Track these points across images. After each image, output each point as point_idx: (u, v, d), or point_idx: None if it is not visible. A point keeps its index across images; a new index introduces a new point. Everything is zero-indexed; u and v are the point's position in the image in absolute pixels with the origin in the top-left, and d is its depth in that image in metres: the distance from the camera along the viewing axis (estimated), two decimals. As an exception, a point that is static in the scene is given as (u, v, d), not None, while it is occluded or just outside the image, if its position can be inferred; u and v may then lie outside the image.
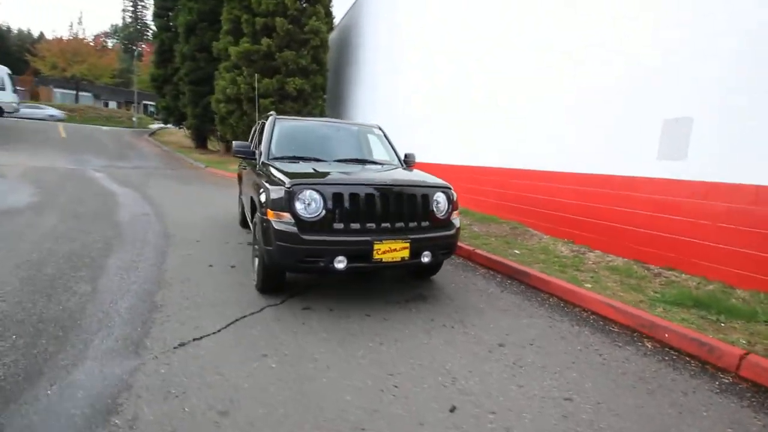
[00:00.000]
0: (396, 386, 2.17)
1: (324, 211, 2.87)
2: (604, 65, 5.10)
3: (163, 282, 3.50)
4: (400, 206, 3.07)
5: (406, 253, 2.97)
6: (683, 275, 4.09)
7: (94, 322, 2.69)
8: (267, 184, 3.07)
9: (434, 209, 3.24)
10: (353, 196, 2.94)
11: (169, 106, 19.39)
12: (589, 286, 3.87)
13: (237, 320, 2.84)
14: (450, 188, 3.39)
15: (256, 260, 3.55)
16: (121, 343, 2.43)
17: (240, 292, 3.39)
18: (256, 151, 3.91)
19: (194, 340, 2.54)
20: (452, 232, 3.30)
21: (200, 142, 20.60)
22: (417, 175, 3.48)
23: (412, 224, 3.12)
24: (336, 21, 16.01)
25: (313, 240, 2.79)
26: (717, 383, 2.40)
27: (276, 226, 2.83)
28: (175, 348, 2.42)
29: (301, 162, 3.71)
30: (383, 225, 3.01)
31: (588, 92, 5.32)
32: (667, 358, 2.68)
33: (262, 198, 3.05)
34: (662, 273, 4.21)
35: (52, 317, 2.70)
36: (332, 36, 15.64)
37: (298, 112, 15.30)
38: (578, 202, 5.42)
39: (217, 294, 3.31)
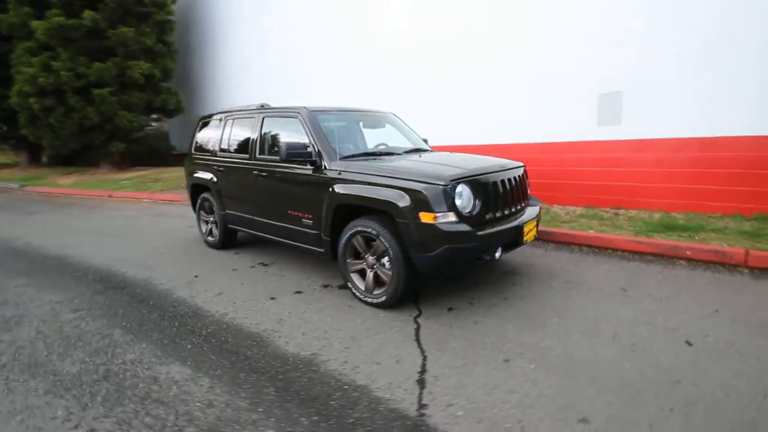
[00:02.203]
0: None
1: (478, 204, 2.78)
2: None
3: (266, 331, 2.74)
4: (518, 188, 3.20)
5: (535, 231, 3.16)
6: (632, 211, 5.48)
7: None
8: (404, 185, 2.73)
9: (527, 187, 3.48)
10: (494, 185, 2.92)
11: None
12: (593, 231, 4.82)
13: (421, 344, 2.53)
14: (524, 165, 3.66)
15: (356, 276, 3.14)
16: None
17: (362, 315, 2.92)
18: (313, 153, 3.30)
19: (438, 379, 2.20)
20: (540, 204, 3.62)
21: (-25, 154, 14.63)
22: (493, 158, 3.61)
23: (523, 204, 3.30)
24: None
25: (484, 235, 2.69)
26: (746, 273, 3.51)
27: (445, 228, 2.59)
28: (453, 404, 2.01)
29: (381, 157, 3.36)
30: (512, 208, 3.10)
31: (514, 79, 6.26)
32: (704, 267, 3.70)
33: (401, 201, 2.70)
34: (618, 212, 5.52)
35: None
36: (176, 8, 13.07)
37: (149, 104, 12.59)
38: (531, 168, 6.42)
39: (351, 325, 2.77)
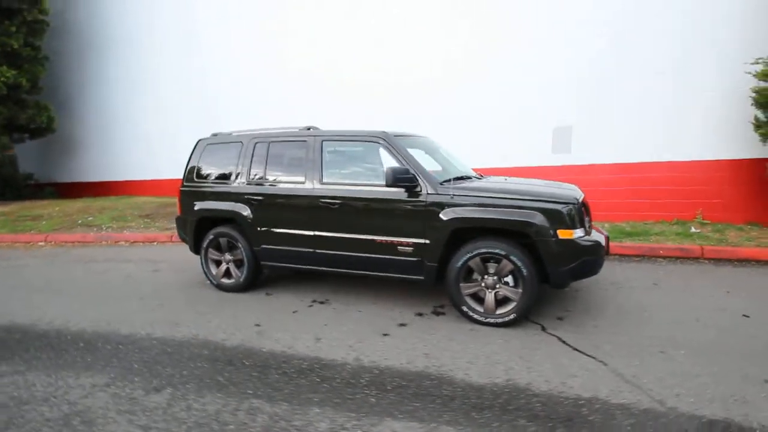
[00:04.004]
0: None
1: (587, 220, 3.16)
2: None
3: (428, 368, 2.54)
4: (586, 206, 3.73)
5: (602, 244, 3.70)
6: (586, 222, 6.67)
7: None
8: (538, 206, 2.93)
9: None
10: (585, 203, 3.36)
11: None
12: (575, 241, 5.73)
13: (583, 351, 2.73)
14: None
15: (469, 299, 3.17)
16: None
17: (497, 336, 2.96)
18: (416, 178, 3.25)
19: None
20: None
21: None
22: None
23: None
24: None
25: (605, 246, 3.07)
26: (707, 263, 4.70)
27: (583, 243, 2.89)
28: (679, 394, 2.26)
29: (466, 181, 3.49)
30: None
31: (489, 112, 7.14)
32: (680, 262, 4.81)
33: (537, 220, 2.90)
34: (576, 224, 6.65)
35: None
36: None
37: (10, 121, 9.91)
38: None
39: (500, 347, 2.80)
